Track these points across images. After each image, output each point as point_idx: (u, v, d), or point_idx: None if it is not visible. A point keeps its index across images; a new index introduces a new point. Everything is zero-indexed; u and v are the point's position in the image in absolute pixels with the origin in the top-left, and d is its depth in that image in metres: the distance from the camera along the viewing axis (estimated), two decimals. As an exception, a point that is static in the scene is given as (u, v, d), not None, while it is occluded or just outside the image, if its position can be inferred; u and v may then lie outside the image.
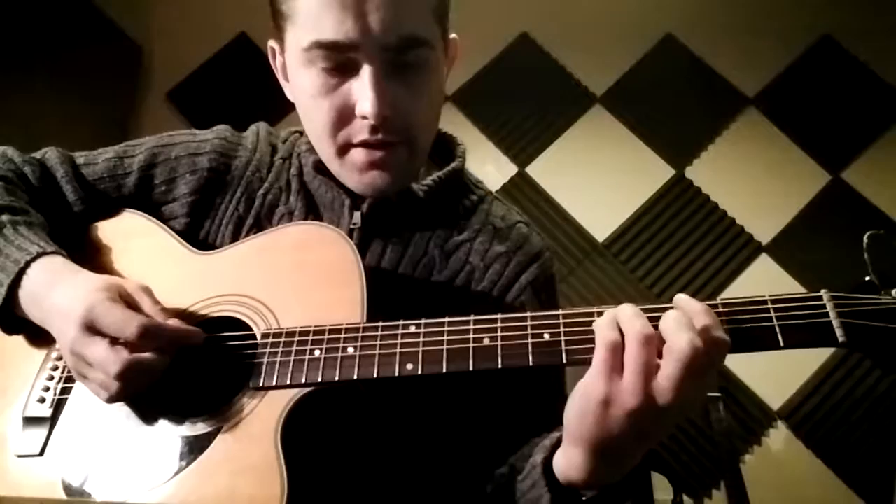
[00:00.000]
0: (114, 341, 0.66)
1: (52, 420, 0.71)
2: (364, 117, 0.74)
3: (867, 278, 0.61)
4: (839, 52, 2.53)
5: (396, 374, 0.65)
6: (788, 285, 2.34)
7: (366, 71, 0.72)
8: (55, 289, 0.71)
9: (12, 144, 0.92)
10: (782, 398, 2.26)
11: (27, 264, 0.72)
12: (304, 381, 0.66)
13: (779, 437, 2.23)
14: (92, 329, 0.67)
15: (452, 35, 0.84)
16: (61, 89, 2.36)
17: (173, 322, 0.70)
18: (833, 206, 2.41)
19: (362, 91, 0.73)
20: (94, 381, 0.68)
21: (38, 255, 0.73)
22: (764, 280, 2.36)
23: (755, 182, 2.47)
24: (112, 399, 0.68)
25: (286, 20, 0.75)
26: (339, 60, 0.73)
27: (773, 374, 2.25)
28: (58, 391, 0.73)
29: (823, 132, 2.47)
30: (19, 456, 0.70)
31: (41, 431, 0.70)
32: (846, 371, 2.23)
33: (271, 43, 0.83)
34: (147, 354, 0.67)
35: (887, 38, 2.49)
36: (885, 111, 2.45)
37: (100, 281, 0.71)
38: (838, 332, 0.58)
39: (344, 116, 0.76)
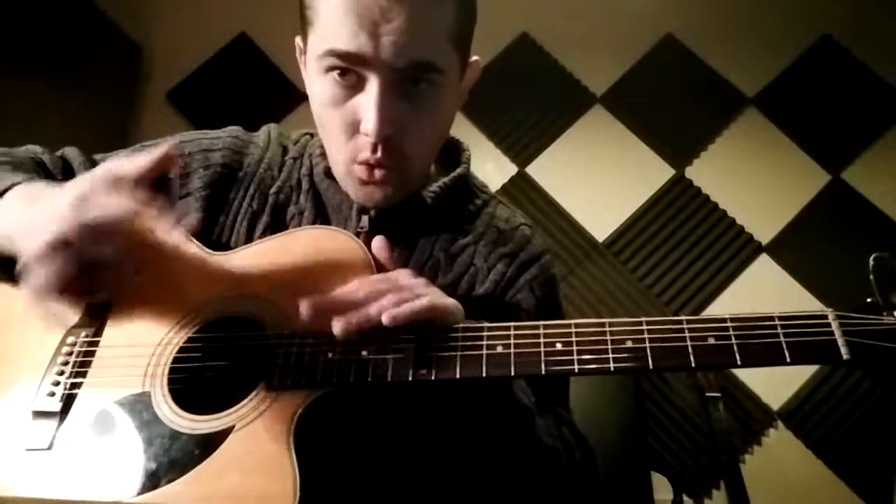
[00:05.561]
0: None
1: (62, 414, 0.71)
2: (366, 134, 0.74)
3: (869, 300, 0.62)
4: (839, 52, 2.53)
5: (410, 378, 0.65)
6: (788, 285, 2.35)
7: (372, 87, 0.73)
8: (42, 200, 0.67)
9: (12, 145, 0.93)
10: (782, 398, 2.26)
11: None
12: (317, 382, 0.67)
13: (779, 437, 2.23)
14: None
15: (475, 58, 0.85)
16: (61, 89, 2.35)
17: None
18: (833, 206, 2.41)
19: (367, 107, 0.73)
20: (100, 205, 0.62)
21: (12, 185, 0.73)
22: (764, 280, 2.36)
23: (755, 182, 2.47)
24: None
25: (309, 25, 0.76)
26: (349, 72, 0.74)
27: (773, 375, 2.25)
28: (68, 385, 0.72)
29: (823, 132, 2.47)
30: (28, 450, 0.69)
31: (50, 425, 0.70)
32: (846, 371, 2.23)
33: (298, 40, 0.85)
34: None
35: (887, 38, 2.49)
36: (885, 111, 2.45)
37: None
38: (843, 350, 0.60)
39: (352, 130, 0.77)
